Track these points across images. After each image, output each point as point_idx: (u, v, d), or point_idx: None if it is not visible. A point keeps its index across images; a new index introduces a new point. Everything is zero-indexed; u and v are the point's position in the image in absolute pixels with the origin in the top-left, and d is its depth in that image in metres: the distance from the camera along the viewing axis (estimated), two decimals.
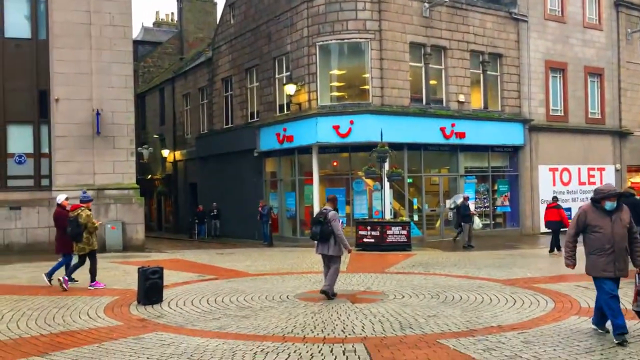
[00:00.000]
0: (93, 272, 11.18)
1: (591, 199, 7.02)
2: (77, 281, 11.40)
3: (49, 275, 11.45)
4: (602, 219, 6.77)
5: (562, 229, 16.18)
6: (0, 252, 18.11)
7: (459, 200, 20.15)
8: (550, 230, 17.35)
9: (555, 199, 17.93)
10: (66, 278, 10.95)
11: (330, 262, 9.76)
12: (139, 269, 9.58)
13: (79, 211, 10.94)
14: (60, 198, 11.98)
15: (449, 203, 22.29)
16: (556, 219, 16.90)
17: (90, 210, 11.23)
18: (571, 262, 7.04)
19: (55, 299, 9.95)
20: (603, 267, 6.71)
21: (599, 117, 28.02)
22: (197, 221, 28.72)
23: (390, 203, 21.54)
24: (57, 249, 11.71)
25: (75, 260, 11.40)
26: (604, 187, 6.99)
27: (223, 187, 27.42)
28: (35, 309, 9.00)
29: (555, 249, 16.46)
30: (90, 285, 11.08)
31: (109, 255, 17.84)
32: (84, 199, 11.36)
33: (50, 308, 9.09)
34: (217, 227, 27.66)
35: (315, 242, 9.89)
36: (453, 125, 22.52)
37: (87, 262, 11.19)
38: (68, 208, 11.55)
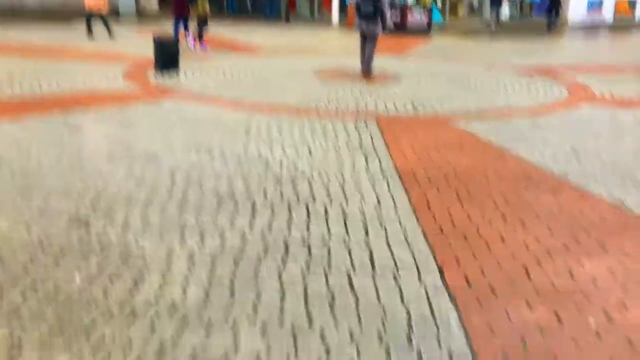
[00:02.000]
0: (201, 34, 12.69)
1: None
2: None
3: (181, 35, 12.65)
4: None
5: None
6: (14, 14, 17.86)
7: None
8: None
9: None
10: (193, 41, 12.77)
11: (370, 40, 9.72)
12: (154, 37, 9.52)
13: None
14: None
15: None
16: None
17: None
18: None
19: (77, 63, 10.08)
20: None
21: None
22: None
23: None
24: (174, 12, 12.99)
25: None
26: None
27: None
28: (57, 73, 9.13)
29: None
30: (201, 46, 12.67)
31: (124, 22, 17.57)
32: None
33: (72, 72, 9.23)
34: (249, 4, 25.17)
35: (359, 20, 9.71)
36: None
37: None
38: None
